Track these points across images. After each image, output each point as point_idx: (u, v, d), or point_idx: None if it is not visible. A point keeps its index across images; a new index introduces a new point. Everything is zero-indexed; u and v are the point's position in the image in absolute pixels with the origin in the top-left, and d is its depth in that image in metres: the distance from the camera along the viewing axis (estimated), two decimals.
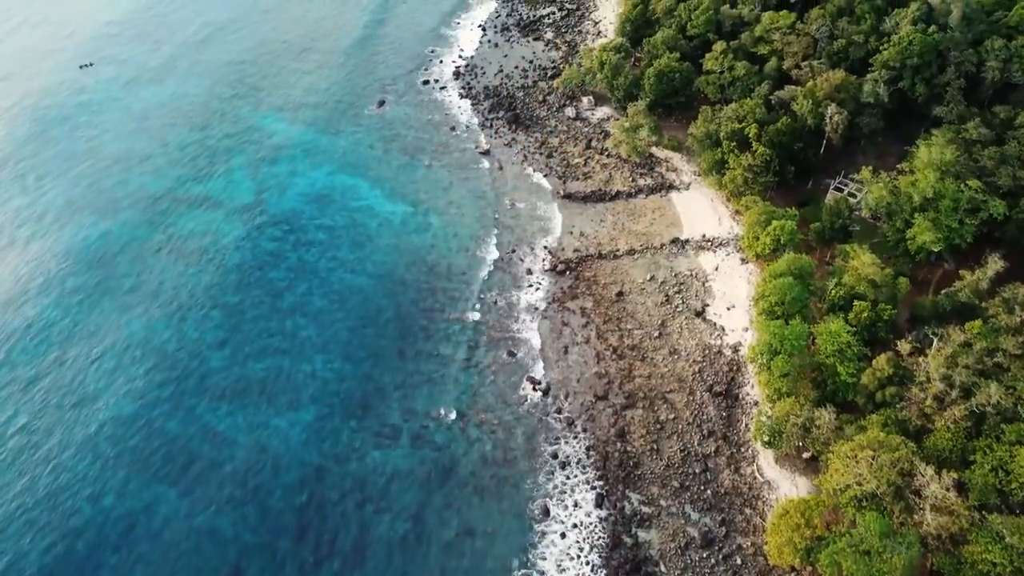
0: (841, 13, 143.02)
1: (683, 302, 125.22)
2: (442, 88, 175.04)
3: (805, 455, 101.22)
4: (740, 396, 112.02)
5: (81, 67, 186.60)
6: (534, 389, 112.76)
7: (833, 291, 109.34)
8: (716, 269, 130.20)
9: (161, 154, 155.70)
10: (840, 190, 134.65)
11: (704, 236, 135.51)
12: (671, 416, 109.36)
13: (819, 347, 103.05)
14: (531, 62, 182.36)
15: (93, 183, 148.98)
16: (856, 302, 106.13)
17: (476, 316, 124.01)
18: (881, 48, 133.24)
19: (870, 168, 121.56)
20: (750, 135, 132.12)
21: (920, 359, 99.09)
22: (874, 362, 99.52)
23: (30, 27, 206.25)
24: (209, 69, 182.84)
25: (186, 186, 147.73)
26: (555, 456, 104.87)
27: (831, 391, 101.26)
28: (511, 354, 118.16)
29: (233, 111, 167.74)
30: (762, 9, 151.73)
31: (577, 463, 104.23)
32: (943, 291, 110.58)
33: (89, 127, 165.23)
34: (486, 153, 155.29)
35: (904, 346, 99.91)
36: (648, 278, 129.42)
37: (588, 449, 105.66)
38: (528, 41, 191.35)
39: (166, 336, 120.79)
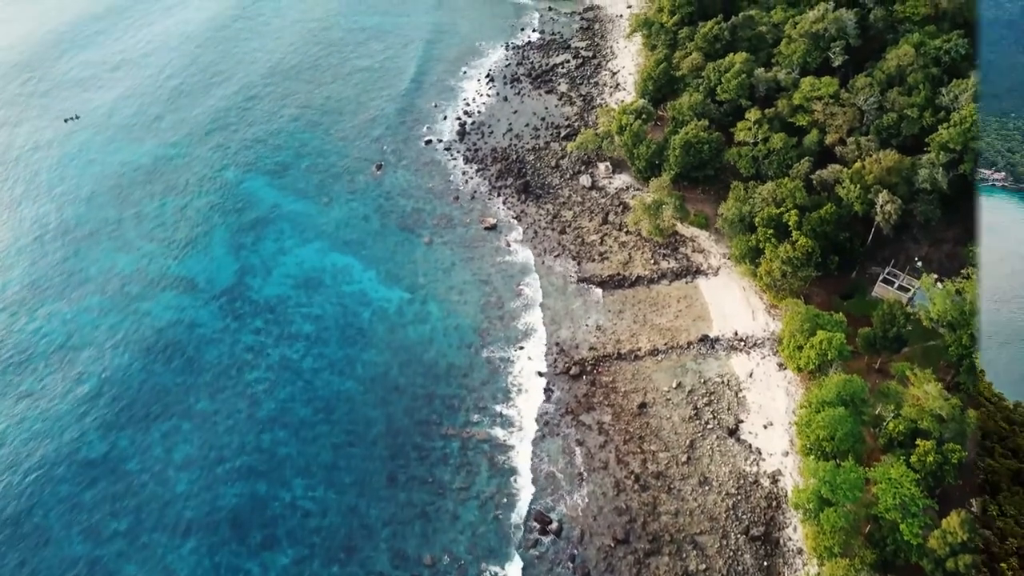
0: (891, 82, 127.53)
1: (714, 417, 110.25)
2: (446, 149, 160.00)
3: None
4: (781, 541, 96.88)
5: (66, 120, 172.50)
6: (543, 531, 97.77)
7: (891, 425, 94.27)
8: (750, 375, 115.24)
9: (134, 225, 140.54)
10: (889, 282, 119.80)
11: (736, 334, 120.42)
12: (702, 566, 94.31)
13: (877, 496, 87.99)
14: (543, 119, 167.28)
15: (54, 259, 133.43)
16: (919, 441, 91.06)
17: (477, 431, 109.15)
18: (939, 126, 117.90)
19: (932, 276, 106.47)
20: (789, 223, 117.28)
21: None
22: (944, 523, 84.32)
23: (24, 71, 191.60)
24: (195, 126, 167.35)
25: (159, 264, 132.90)
26: None
27: (891, 551, 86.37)
28: (517, 481, 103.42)
29: (217, 175, 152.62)
30: (800, 74, 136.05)
31: None
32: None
33: (57, 190, 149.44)
34: (492, 228, 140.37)
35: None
36: (674, 385, 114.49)
37: None
38: (540, 94, 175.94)
39: (127, 453, 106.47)
